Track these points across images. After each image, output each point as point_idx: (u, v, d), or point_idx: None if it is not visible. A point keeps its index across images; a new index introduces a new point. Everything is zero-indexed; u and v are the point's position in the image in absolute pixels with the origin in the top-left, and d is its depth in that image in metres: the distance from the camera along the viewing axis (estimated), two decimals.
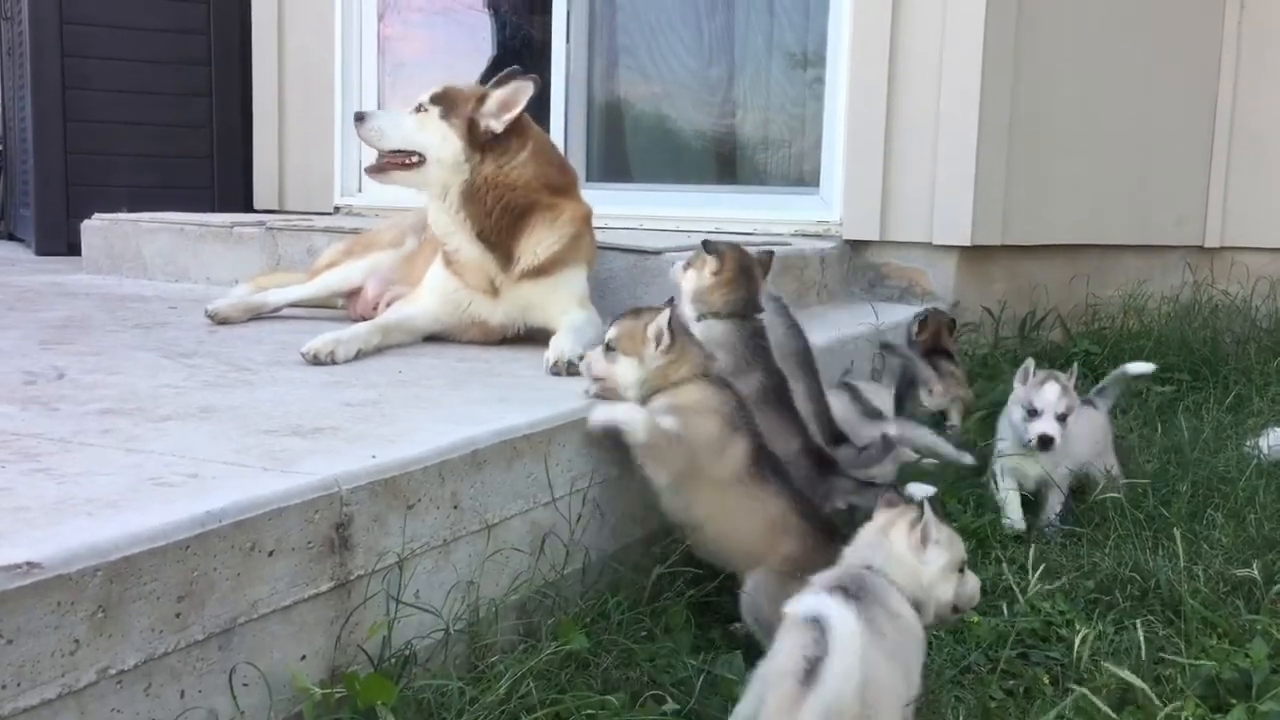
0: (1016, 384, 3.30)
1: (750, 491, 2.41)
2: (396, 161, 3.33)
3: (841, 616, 1.66)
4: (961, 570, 2.10)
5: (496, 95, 3.29)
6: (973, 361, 4.60)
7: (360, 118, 3.41)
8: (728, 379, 2.61)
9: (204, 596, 1.64)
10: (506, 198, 3.28)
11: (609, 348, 2.58)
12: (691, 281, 2.94)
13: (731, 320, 2.86)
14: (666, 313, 2.52)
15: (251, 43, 6.31)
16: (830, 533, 2.38)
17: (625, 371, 2.54)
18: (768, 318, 2.98)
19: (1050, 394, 3.19)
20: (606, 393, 2.58)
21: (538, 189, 3.34)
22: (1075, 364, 3.53)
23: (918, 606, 1.99)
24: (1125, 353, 4.76)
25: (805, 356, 3.07)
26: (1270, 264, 5.45)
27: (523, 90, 3.29)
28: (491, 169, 3.27)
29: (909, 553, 2.02)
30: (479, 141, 3.27)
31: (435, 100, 3.31)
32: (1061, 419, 3.17)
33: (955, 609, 2.10)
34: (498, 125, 3.29)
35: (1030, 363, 3.32)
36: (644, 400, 2.51)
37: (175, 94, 6.69)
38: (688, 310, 2.88)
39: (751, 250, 3.06)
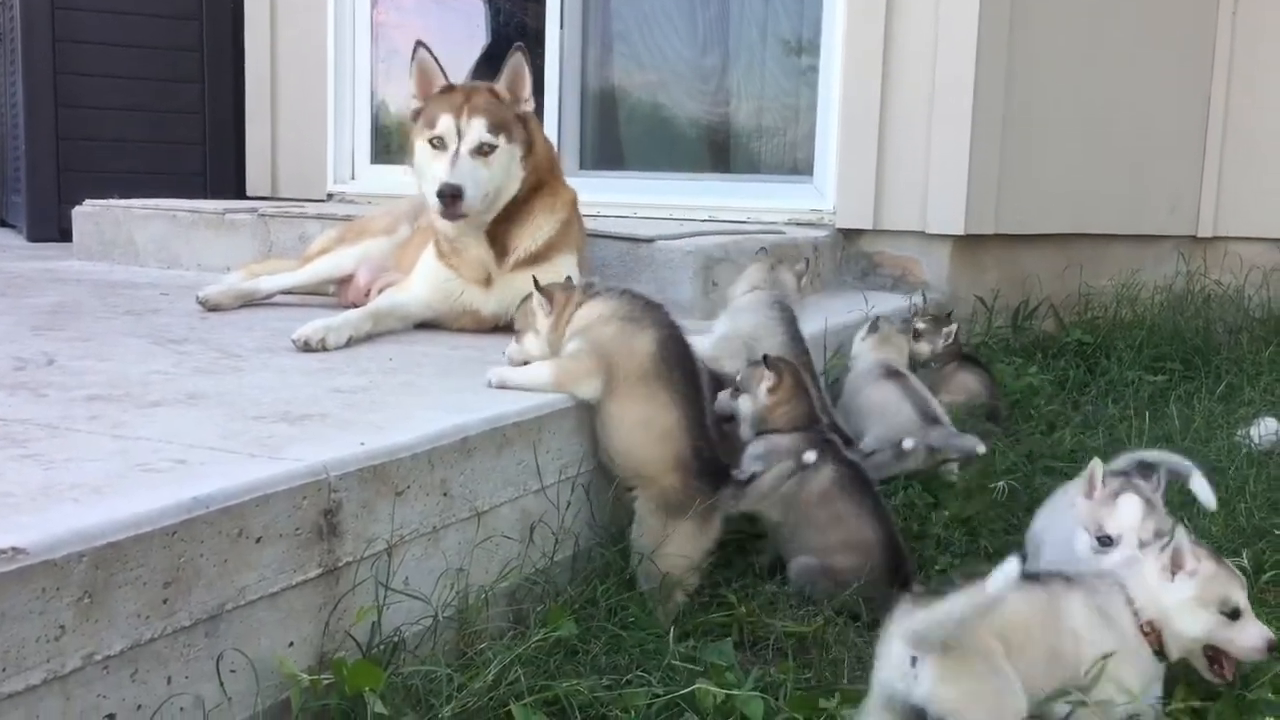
0: (1078, 496, 2.40)
1: (653, 392, 2.46)
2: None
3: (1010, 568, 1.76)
4: (1234, 614, 2.05)
5: (504, 83, 3.25)
6: (968, 350, 4.60)
7: (455, 194, 3.10)
8: (630, 289, 2.69)
9: (191, 583, 1.63)
10: (530, 183, 3.29)
11: (518, 333, 2.74)
12: (748, 405, 2.81)
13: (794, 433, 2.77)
14: (537, 294, 2.65)
15: (244, 28, 6.29)
16: (718, 477, 2.45)
17: (531, 346, 2.68)
18: (767, 323, 3.00)
19: (1129, 513, 2.31)
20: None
21: (547, 169, 3.37)
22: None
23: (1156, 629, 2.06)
24: (1118, 342, 4.77)
25: (804, 362, 3.08)
26: (1263, 253, 5.45)
27: (521, 65, 3.27)
28: (530, 159, 3.27)
29: (1154, 574, 2.07)
30: (527, 136, 3.26)
31: (495, 129, 3.17)
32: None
33: (1216, 649, 2.08)
34: (529, 106, 3.30)
35: (1097, 464, 2.40)
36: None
37: (167, 80, 6.65)
38: (746, 431, 2.81)
39: (789, 256, 3.06)
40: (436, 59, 3.30)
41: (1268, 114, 5.47)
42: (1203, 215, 5.57)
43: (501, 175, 3.20)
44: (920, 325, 3.95)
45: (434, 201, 3.13)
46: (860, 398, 3.41)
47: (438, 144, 3.17)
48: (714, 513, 2.47)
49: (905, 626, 1.85)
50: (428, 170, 3.18)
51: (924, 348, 3.89)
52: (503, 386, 2.53)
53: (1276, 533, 2.85)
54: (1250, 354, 4.76)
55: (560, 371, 2.52)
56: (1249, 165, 5.48)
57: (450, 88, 3.27)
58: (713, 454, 2.50)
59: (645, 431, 2.45)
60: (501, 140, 3.18)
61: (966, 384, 3.85)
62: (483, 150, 3.15)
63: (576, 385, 2.49)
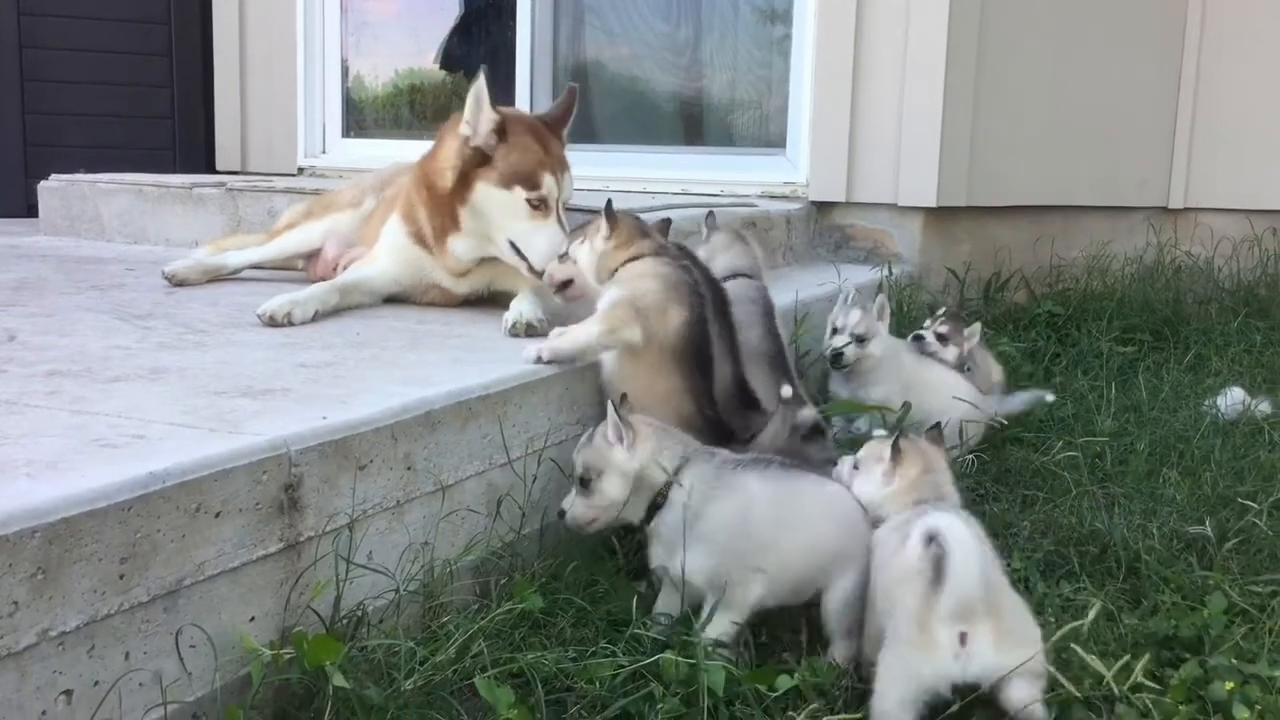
0: None
1: (670, 366, 2.59)
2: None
3: (953, 524, 1.87)
4: None
5: (470, 116, 3.06)
6: None
7: (563, 285, 2.92)
8: (688, 265, 2.78)
9: (148, 558, 1.62)
10: None
11: (563, 257, 2.88)
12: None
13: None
14: (602, 221, 2.80)
15: (212, 1, 6.21)
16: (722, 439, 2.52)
17: (584, 256, 2.82)
18: (747, 317, 3.06)
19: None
20: (571, 299, 2.90)
21: None
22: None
23: None
24: (1089, 313, 4.79)
25: (776, 350, 3.12)
26: (1233, 225, 5.48)
27: (479, 91, 3.05)
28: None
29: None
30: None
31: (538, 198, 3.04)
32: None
33: None
34: (488, 127, 3.06)
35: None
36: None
37: (135, 53, 6.57)
38: None
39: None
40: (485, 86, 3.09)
41: (1238, 86, 5.48)
42: (1173, 187, 5.58)
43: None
44: (941, 328, 3.63)
45: (540, 265, 2.98)
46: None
47: (537, 204, 3.04)
48: None
49: (945, 606, 1.82)
50: (520, 229, 3.04)
51: (950, 352, 3.58)
52: (554, 360, 2.56)
53: (1240, 501, 2.86)
54: (1219, 325, 4.80)
55: (608, 319, 2.62)
56: (1219, 137, 5.50)
57: (507, 120, 3.09)
58: (718, 418, 2.61)
59: (649, 391, 2.55)
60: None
61: (988, 367, 3.75)
62: (562, 260, 2.95)
63: (626, 330, 2.60)
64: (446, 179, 3.10)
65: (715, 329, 2.78)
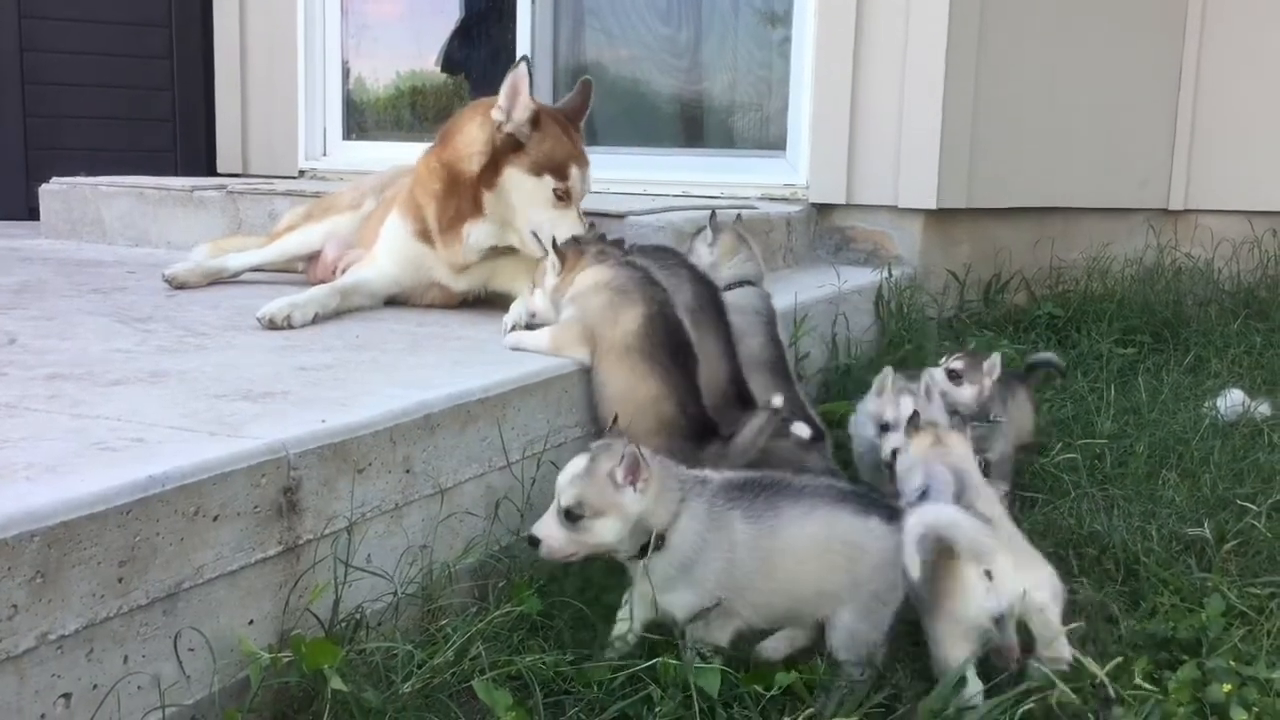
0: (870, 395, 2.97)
1: (634, 364, 2.58)
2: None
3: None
4: None
5: (505, 103, 3.10)
6: (937, 326, 4.62)
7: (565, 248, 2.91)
8: (634, 260, 2.82)
9: (147, 561, 1.63)
10: None
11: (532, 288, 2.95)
12: None
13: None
14: (551, 254, 2.85)
15: (213, 3, 6.21)
16: (705, 437, 2.54)
17: (538, 302, 2.89)
18: (749, 326, 3.09)
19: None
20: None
21: None
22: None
23: None
24: (1089, 315, 4.79)
25: (778, 358, 3.11)
26: (1233, 226, 5.48)
27: (519, 77, 3.12)
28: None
29: None
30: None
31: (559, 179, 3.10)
32: None
33: None
34: (524, 114, 3.11)
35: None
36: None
37: (136, 56, 6.57)
38: None
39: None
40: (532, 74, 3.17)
41: (1238, 87, 5.48)
42: (1174, 188, 5.58)
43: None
44: (955, 364, 3.09)
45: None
46: None
47: (563, 195, 3.08)
48: None
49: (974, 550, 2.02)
50: (544, 217, 3.08)
51: (967, 392, 3.05)
52: (517, 348, 2.75)
53: (1239, 503, 2.86)
54: (1219, 327, 4.79)
55: (553, 338, 2.72)
56: (1220, 138, 5.50)
57: (541, 112, 3.14)
58: (701, 415, 2.59)
59: (628, 399, 2.54)
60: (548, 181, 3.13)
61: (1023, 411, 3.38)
62: (576, 217, 3.11)
63: (569, 350, 2.67)
64: (474, 163, 3.13)
65: (706, 321, 2.83)
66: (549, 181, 3.08)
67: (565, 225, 3.04)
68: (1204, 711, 2.07)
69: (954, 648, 2.06)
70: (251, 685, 1.73)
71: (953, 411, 2.96)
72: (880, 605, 2.10)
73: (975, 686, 2.03)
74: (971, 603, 2.04)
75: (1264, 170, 5.45)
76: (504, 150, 3.10)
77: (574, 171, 3.10)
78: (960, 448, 2.41)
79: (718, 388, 2.74)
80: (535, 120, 3.10)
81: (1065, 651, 2.09)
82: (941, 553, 2.04)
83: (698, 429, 2.56)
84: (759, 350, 3.07)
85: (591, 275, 2.75)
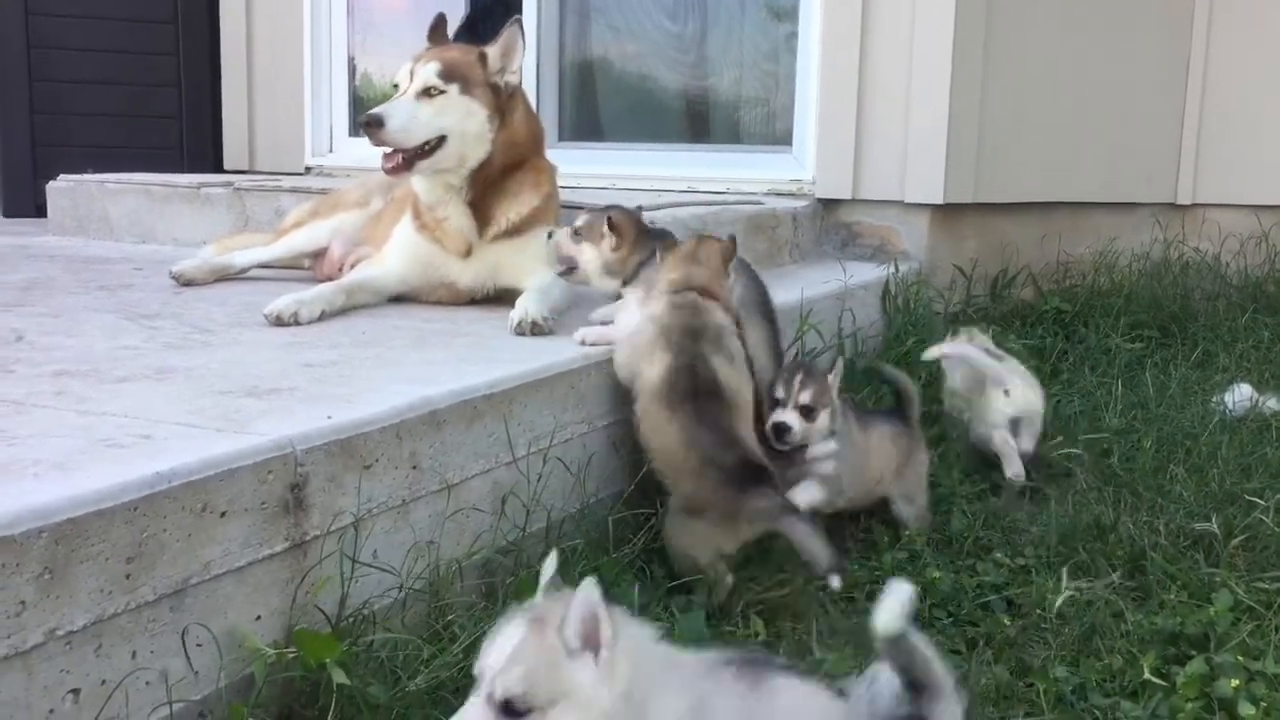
0: None
1: (663, 411, 2.55)
2: (418, 152, 3.12)
3: None
4: None
5: (496, 50, 3.21)
6: (944, 321, 4.61)
7: (376, 122, 3.04)
8: (698, 306, 2.73)
9: (155, 558, 1.63)
10: (510, 156, 3.25)
11: (576, 232, 3.06)
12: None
13: None
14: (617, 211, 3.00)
15: (219, 0, 6.22)
16: (747, 482, 2.46)
17: (586, 255, 3.03)
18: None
19: None
20: (573, 276, 3.09)
21: (532, 143, 3.35)
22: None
23: None
24: (1096, 310, 4.78)
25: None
26: (1241, 220, 5.46)
27: (516, 36, 3.22)
28: (506, 130, 3.23)
29: None
30: (501, 105, 3.20)
31: (447, 76, 3.12)
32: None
33: None
34: (515, 79, 3.25)
35: None
36: (609, 280, 3.01)
37: (143, 52, 6.58)
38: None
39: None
40: (524, 37, 3.28)
41: (1246, 82, 5.46)
42: (1181, 183, 5.56)
43: (449, 123, 3.12)
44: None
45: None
46: None
47: (395, 91, 3.17)
48: (738, 519, 2.47)
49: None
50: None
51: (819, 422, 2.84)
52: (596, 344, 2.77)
53: (1247, 498, 2.86)
54: (1227, 321, 4.78)
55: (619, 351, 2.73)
56: (1227, 132, 5.48)
57: (433, 45, 3.26)
58: (741, 461, 2.50)
59: (658, 439, 2.56)
60: (453, 89, 3.13)
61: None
62: (429, 93, 3.11)
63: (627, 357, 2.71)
64: None
65: (754, 316, 2.98)
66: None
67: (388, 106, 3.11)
68: (1212, 706, 2.08)
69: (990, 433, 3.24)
70: (256, 681, 1.73)
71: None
72: None
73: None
74: (996, 411, 3.25)
75: (1271, 164, 5.43)
76: None
77: (403, 68, 3.19)
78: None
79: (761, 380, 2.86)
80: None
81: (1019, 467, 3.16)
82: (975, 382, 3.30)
83: (738, 478, 2.48)
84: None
85: (655, 304, 2.73)
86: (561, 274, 3.11)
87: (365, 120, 3.08)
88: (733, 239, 2.89)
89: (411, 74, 3.15)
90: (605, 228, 2.98)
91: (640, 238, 3.01)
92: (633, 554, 2.48)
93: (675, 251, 2.84)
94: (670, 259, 2.82)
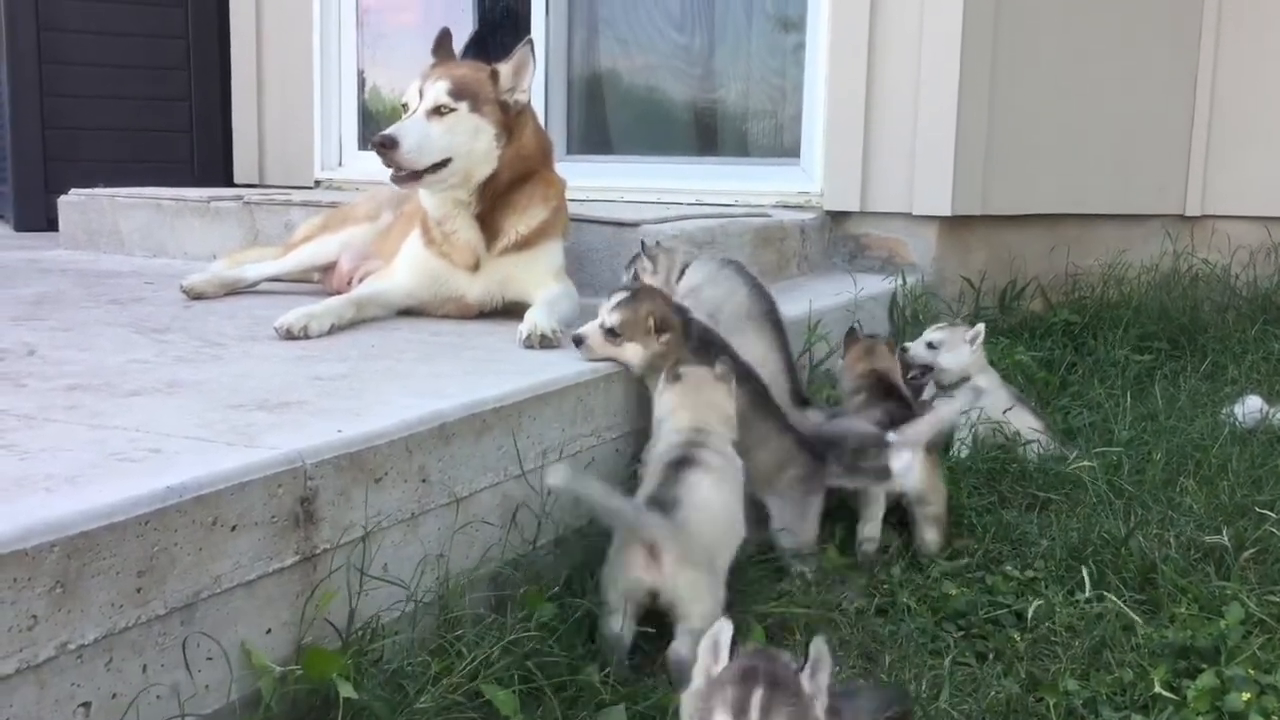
0: None
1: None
2: (427, 167, 3.12)
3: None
4: None
5: (509, 69, 3.22)
6: None
7: (390, 143, 3.04)
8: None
9: (165, 571, 1.64)
10: (518, 170, 3.26)
11: (612, 333, 2.74)
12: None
13: None
14: (650, 305, 2.75)
15: (229, 15, 6.26)
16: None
17: (632, 355, 2.74)
18: (725, 286, 3.11)
19: None
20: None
21: (540, 157, 3.35)
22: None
23: None
24: (1105, 322, 4.77)
25: (773, 317, 3.13)
26: (1250, 232, 5.45)
27: (528, 56, 3.23)
28: (514, 146, 3.24)
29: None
30: (509, 122, 3.21)
31: (457, 94, 3.12)
32: None
33: None
34: (525, 97, 3.25)
35: None
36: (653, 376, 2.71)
37: (154, 67, 6.63)
38: None
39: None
40: (536, 57, 3.29)
41: (1255, 93, 5.45)
42: (1190, 194, 5.56)
43: (461, 142, 3.13)
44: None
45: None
46: None
47: (404, 110, 3.16)
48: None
49: None
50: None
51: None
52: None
53: (1258, 510, 2.85)
54: (1236, 333, 4.77)
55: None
56: (1236, 144, 5.47)
57: (438, 63, 3.27)
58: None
59: None
60: (463, 107, 3.12)
61: None
62: (439, 111, 3.11)
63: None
64: None
65: (763, 327, 3.04)
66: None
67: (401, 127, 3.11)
68: None
69: None
70: (264, 697, 1.73)
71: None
72: None
73: None
74: None
75: None
76: None
77: (411, 86, 3.18)
78: None
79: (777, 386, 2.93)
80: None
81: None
82: None
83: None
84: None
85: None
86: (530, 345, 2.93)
87: (379, 141, 3.06)
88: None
89: (421, 92, 3.14)
90: (649, 324, 2.73)
91: (682, 326, 2.80)
92: None
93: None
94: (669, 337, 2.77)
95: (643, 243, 3.38)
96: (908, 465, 2.81)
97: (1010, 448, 3.39)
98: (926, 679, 2.18)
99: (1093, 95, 5.23)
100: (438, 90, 3.12)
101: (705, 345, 2.79)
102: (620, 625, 2.18)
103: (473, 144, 3.16)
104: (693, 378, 2.57)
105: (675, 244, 3.61)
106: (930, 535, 2.86)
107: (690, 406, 2.51)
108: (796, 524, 2.70)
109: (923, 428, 2.88)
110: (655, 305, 2.76)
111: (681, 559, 2.14)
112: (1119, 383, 4.12)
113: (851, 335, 3.35)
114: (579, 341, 2.76)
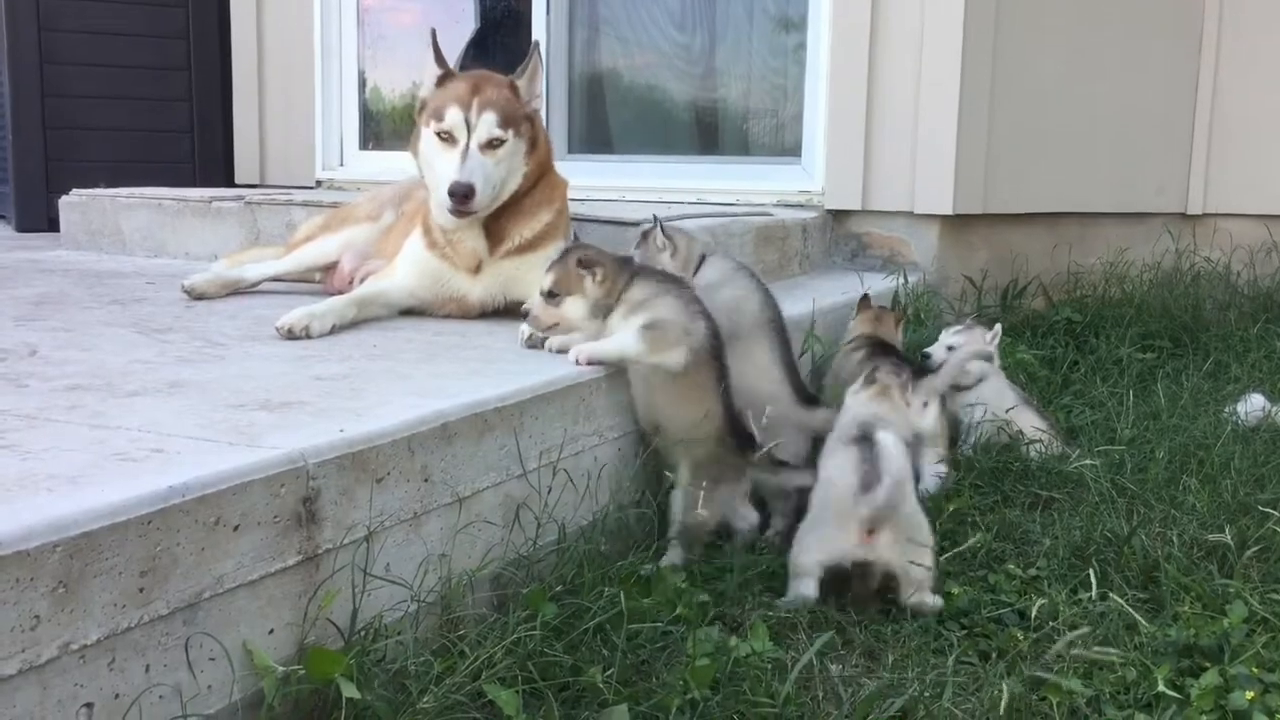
0: None
1: (708, 386, 2.71)
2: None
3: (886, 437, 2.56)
4: None
5: (525, 80, 3.23)
6: None
7: (467, 193, 3.04)
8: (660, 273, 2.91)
9: (168, 571, 1.64)
10: (533, 179, 3.27)
11: (552, 295, 2.80)
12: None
13: None
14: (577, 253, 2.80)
15: (230, 15, 6.26)
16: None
17: (573, 310, 2.78)
18: (742, 288, 3.06)
19: None
20: (557, 334, 2.83)
21: (549, 161, 3.36)
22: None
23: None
24: (1107, 320, 4.77)
25: (779, 324, 3.11)
26: (1252, 230, 5.45)
27: (539, 63, 3.25)
28: (534, 157, 3.25)
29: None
30: (534, 135, 3.23)
31: (505, 124, 3.12)
32: None
33: None
34: (539, 104, 3.28)
35: None
36: (597, 321, 2.78)
37: (155, 67, 6.63)
38: None
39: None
40: (544, 61, 3.33)
41: (1256, 91, 5.45)
42: (1191, 193, 5.56)
43: (506, 171, 3.16)
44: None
45: (443, 198, 3.08)
46: None
47: (445, 138, 3.12)
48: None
49: None
50: (435, 164, 3.14)
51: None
52: (591, 361, 2.66)
53: (1261, 508, 2.85)
54: (1238, 331, 4.77)
55: (653, 341, 2.67)
56: (1238, 142, 5.47)
57: (451, 74, 3.24)
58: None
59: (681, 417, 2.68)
60: (510, 135, 3.13)
61: None
62: (492, 145, 3.11)
63: (668, 353, 2.67)
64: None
65: (770, 329, 3.05)
66: (433, 125, 3.15)
67: (445, 164, 3.10)
68: (1226, 718, 2.06)
69: None
70: (266, 697, 1.73)
71: None
72: None
73: None
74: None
75: None
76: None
77: (450, 112, 3.11)
78: None
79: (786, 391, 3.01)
80: (441, 81, 3.22)
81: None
82: None
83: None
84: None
85: (638, 292, 2.77)
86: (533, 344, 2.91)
87: (458, 192, 3.05)
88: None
89: (468, 123, 3.10)
90: (579, 270, 2.78)
91: (614, 260, 2.85)
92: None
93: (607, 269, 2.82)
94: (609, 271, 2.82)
95: (656, 217, 3.25)
96: (926, 410, 3.14)
97: (1014, 447, 3.39)
98: (929, 678, 2.17)
99: (1095, 93, 5.23)
100: (488, 124, 3.11)
101: (638, 276, 2.83)
102: (813, 588, 2.46)
103: (515, 167, 3.19)
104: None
105: (696, 230, 3.61)
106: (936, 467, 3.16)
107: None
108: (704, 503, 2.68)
109: (943, 375, 3.29)
110: (581, 252, 2.80)
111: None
112: (1121, 381, 4.12)
113: (865, 300, 3.69)
114: (526, 315, 2.85)
